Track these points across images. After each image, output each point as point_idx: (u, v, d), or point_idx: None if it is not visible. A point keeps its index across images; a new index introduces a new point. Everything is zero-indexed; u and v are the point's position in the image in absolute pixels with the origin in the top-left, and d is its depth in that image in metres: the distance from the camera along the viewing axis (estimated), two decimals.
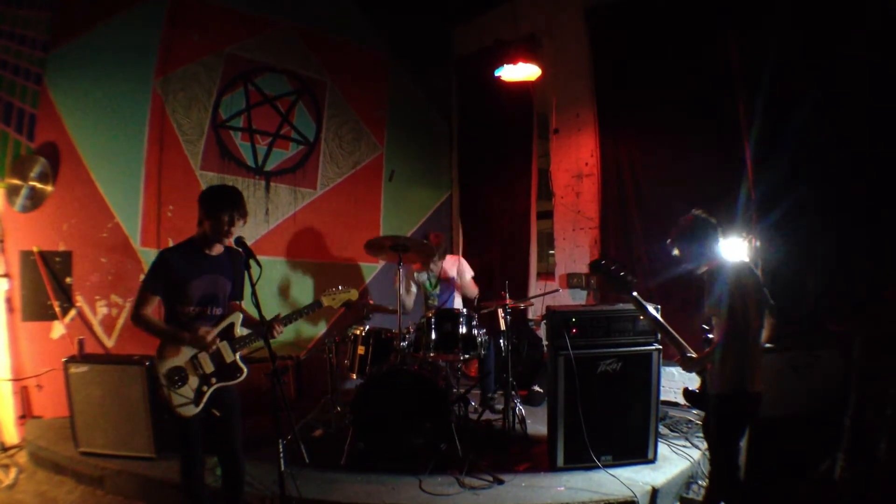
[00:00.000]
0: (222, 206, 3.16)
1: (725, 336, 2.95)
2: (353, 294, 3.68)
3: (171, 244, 5.51)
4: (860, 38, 4.25)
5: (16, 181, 5.08)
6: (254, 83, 6.39)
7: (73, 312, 5.34)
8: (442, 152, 8.05)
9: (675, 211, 3.49)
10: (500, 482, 3.90)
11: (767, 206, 4.68)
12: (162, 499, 3.98)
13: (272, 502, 3.67)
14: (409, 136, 7.61)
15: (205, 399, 3.14)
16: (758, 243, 4.72)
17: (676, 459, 4.19)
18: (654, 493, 3.73)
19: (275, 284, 6.36)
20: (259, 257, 3.06)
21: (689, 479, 4.11)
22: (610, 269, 3.34)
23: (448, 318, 4.74)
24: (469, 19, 7.75)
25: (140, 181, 5.67)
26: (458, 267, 5.88)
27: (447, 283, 5.81)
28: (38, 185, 5.13)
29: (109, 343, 5.47)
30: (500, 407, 5.03)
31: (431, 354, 4.67)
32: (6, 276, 5.16)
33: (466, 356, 4.78)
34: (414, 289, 5.86)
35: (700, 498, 3.67)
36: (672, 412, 5.17)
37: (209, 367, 3.18)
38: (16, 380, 5.11)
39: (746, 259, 3.20)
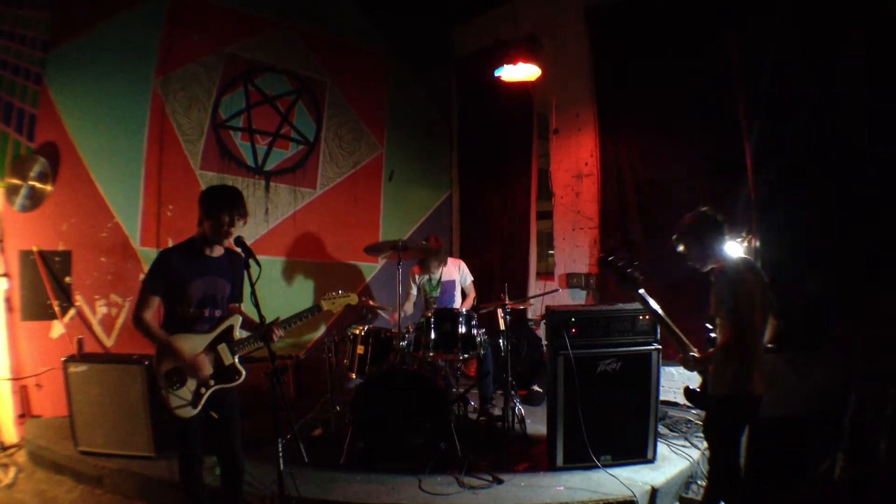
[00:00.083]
0: (222, 206, 3.16)
1: (729, 338, 2.93)
2: (353, 298, 3.67)
3: (170, 244, 5.51)
4: (860, 38, 4.25)
5: (15, 181, 5.08)
6: (254, 83, 6.39)
7: (72, 312, 5.34)
8: (442, 152, 8.06)
9: (675, 210, 3.48)
10: (500, 482, 3.90)
11: (767, 206, 4.68)
12: (161, 498, 3.98)
13: (272, 502, 3.67)
14: (409, 136, 7.61)
15: (203, 401, 3.14)
16: (758, 243, 4.71)
17: (676, 459, 4.19)
18: (654, 492, 3.73)
19: (274, 284, 6.36)
20: (259, 257, 3.06)
21: (688, 479, 4.11)
22: (618, 265, 3.32)
23: (447, 317, 4.73)
24: (469, 19, 7.75)
25: (140, 181, 5.67)
26: (458, 270, 5.88)
27: (447, 287, 5.80)
28: (38, 185, 5.13)
29: (109, 342, 5.47)
30: (499, 407, 5.03)
31: (431, 354, 4.66)
32: (6, 275, 5.16)
33: (466, 356, 4.77)
34: (414, 291, 5.86)
35: (699, 498, 3.67)
36: (671, 412, 5.17)
37: (209, 369, 3.18)
38: (15, 379, 5.11)
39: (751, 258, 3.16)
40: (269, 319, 3.18)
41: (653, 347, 4.10)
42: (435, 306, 5.65)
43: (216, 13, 6.11)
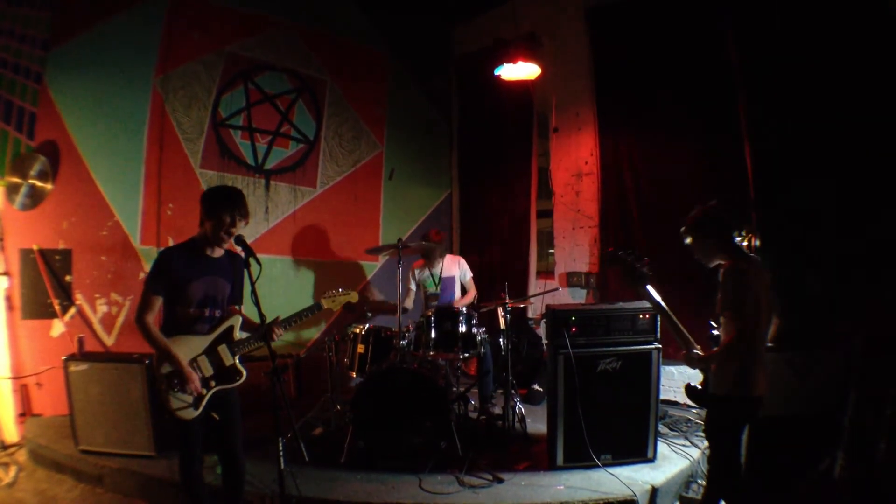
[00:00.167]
0: (224, 206, 3.16)
1: (734, 338, 2.91)
2: (354, 296, 3.67)
3: (170, 243, 5.54)
4: (860, 38, 4.25)
5: (16, 179, 5.08)
6: (254, 82, 6.39)
7: (72, 311, 5.34)
8: (442, 151, 8.05)
9: (675, 209, 3.48)
10: (500, 481, 3.90)
11: (767, 205, 4.68)
12: (162, 497, 3.98)
13: (272, 501, 3.68)
14: (409, 135, 7.61)
15: (204, 402, 3.14)
16: (757, 243, 4.71)
17: (676, 458, 4.20)
18: (654, 492, 3.74)
19: (275, 283, 6.35)
20: (259, 256, 3.06)
21: (688, 479, 4.11)
22: (626, 259, 3.31)
23: (448, 316, 4.74)
24: (469, 19, 7.75)
25: (140, 180, 5.67)
26: (458, 267, 5.88)
27: (448, 283, 5.81)
28: (38, 184, 5.13)
29: (109, 341, 5.47)
30: (499, 406, 5.03)
31: (431, 353, 4.67)
32: (6, 274, 5.16)
33: (466, 355, 4.78)
34: (413, 287, 5.87)
35: (700, 497, 3.67)
36: (672, 411, 5.18)
37: (208, 371, 3.18)
38: (15, 378, 5.11)
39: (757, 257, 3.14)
40: (269, 318, 3.18)
41: (653, 346, 4.10)
42: (434, 303, 5.66)
43: (216, 12, 6.10)
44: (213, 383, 3.17)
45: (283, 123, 6.60)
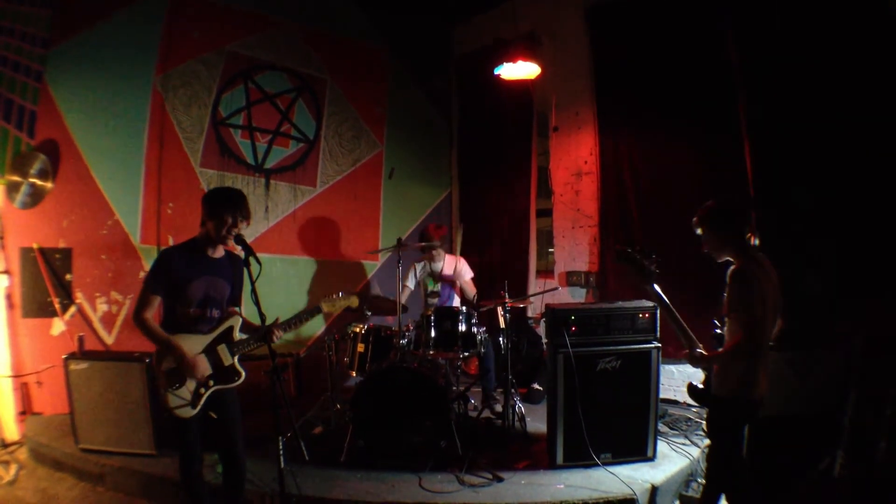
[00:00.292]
0: (226, 206, 3.17)
1: (740, 340, 2.89)
2: (354, 301, 3.66)
3: (171, 241, 5.56)
4: (861, 38, 4.26)
5: (16, 178, 5.08)
6: (254, 81, 6.39)
7: (73, 309, 5.35)
8: (441, 150, 8.05)
9: (675, 209, 3.48)
10: (500, 480, 3.91)
11: (767, 205, 4.68)
12: (162, 496, 3.98)
13: (272, 499, 3.68)
14: (409, 135, 7.61)
15: (202, 401, 3.15)
16: (757, 242, 4.71)
17: (676, 457, 4.20)
18: (654, 490, 3.74)
19: (274, 282, 6.35)
20: (259, 255, 3.05)
21: (688, 477, 4.12)
22: (637, 257, 3.30)
23: (448, 315, 4.74)
24: (469, 18, 7.74)
25: (140, 178, 5.67)
26: (458, 266, 5.89)
27: (447, 282, 5.81)
28: (39, 182, 5.13)
29: (109, 340, 5.48)
30: (499, 405, 5.04)
31: (431, 352, 4.67)
32: (6, 272, 5.16)
33: (466, 354, 4.78)
34: (411, 285, 5.87)
35: (699, 496, 3.67)
36: (671, 410, 5.18)
37: (207, 370, 3.18)
38: (16, 376, 5.11)
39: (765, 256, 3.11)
40: (269, 318, 3.18)
41: (653, 345, 4.10)
42: (434, 301, 5.66)
43: (217, 11, 6.11)
44: (211, 383, 3.18)
45: (283, 122, 6.60)
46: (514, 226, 7.14)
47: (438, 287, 5.75)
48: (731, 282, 2.97)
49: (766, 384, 3.01)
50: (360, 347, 4.73)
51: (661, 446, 4.25)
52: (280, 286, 6.41)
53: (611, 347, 4.09)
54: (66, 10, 5.31)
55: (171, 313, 3.21)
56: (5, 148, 5.10)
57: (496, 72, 6.00)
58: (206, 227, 3.21)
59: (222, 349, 3.23)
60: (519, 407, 4.92)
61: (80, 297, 5.38)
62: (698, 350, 3.07)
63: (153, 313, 3.18)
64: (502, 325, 4.98)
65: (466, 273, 5.93)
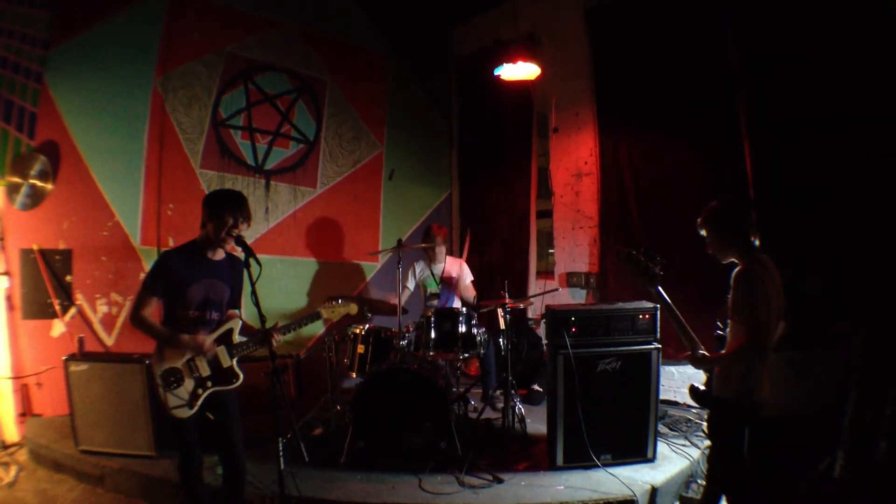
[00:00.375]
0: (227, 208, 3.17)
1: (744, 343, 2.87)
2: (353, 308, 3.65)
3: (171, 243, 5.56)
4: (861, 38, 4.25)
5: (16, 179, 5.08)
6: (254, 82, 6.39)
7: (73, 311, 5.35)
8: (441, 151, 8.06)
9: (675, 210, 3.47)
10: (500, 481, 3.90)
11: (767, 205, 4.68)
12: (162, 497, 3.98)
13: (272, 501, 3.68)
14: (409, 135, 7.61)
15: (199, 402, 3.15)
16: (757, 242, 4.71)
17: (676, 458, 4.20)
18: (654, 491, 3.74)
19: (275, 283, 6.36)
20: (259, 256, 3.06)
21: (688, 478, 4.11)
22: (640, 259, 3.29)
23: (448, 316, 4.74)
24: (469, 19, 7.75)
25: (140, 179, 5.67)
26: (459, 269, 5.89)
27: (447, 284, 5.81)
28: (39, 183, 5.13)
29: (109, 341, 5.48)
30: (499, 406, 5.03)
31: (431, 353, 4.67)
32: (6, 273, 5.16)
33: (466, 355, 4.78)
34: (411, 286, 5.87)
35: (699, 497, 3.67)
36: (671, 411, 5.18)
37: (205, 371, 3.19)
38: (16, 378, 5.11)
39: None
40: (269, 319, 3.18)
41: (653, 346, 4.10)
42: (435, 303, 5.66)
43: (216, 12, 6.11)
44: (209, 384, 3.18)
45: (283, 123, 6.60)
46: (515, 226, 7.14)
47: (438, 289, 5.75)
48: (736, 284, 2.95)
49: (768, 385, 3.00)
50: (360, 349, 4.72)
51: (661, 447, 4.25)
52: (280, 287, 6.41)
53: (611, 348, 4.09)
54: (65, 12, 5.30)
55: (170, 315, 3.21)
56: (5, 149, 5.10)
57: (496, 72, 6.00)
58: (206, 229, 3.22)
59: (221, 351, 3.23)
60: (519, 408, 4.92)
61: (80, 298, 5.38)
62: (700, 352, 3.05)
63: (150, 314, 3.19)
64: (502, 326, 4.97)
65: (467, 276, 5.94)
